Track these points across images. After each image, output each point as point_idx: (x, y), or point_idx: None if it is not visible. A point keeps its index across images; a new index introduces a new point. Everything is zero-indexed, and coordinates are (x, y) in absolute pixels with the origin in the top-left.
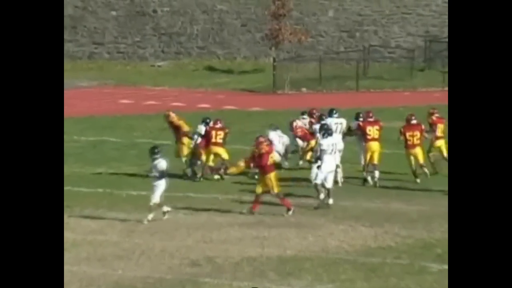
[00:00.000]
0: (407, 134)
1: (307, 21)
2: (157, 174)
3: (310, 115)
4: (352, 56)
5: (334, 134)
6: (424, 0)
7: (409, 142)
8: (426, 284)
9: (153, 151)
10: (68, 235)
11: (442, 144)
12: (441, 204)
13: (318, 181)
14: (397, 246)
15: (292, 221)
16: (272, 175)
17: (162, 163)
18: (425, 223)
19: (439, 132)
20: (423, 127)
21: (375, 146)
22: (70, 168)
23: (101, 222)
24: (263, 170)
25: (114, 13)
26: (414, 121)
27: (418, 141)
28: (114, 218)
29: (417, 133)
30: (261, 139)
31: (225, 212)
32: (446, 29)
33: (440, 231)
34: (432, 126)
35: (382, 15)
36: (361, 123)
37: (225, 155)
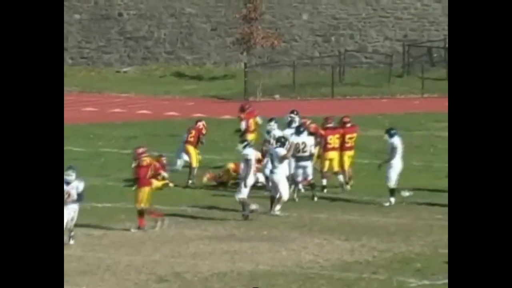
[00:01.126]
0: (328, 137)
1: (280, 24)
2: (75, 197)
3: (242, 110)
4: (327, 61)
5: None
6: (402, 3)
7: (328, 146)
8: None
9: (69, 169)
10: None
11: (335, 156)
12: (421, 217)
13: (243, 196)
14: (375, 260)
15: (264, 234)
16: (146, 189)
17: (79, 185)
18: (404, 237)
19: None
20: (341, 131)
21: (333, 154)
22: None
23: (64, 236)
24: (139, 182)
25: (77, 16)
26: (348, 124)
27: (337, 145)
28: (77, 232)
29: (337, 136)
30: (140, 150)
31: (194, 225)
32: (425, 33)
33: (419, 245)
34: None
35: (359, 18)
36: (322, 132)
37: (194, 159)
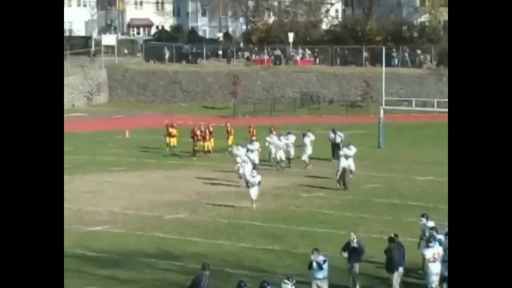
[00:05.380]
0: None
1: (248, 85)
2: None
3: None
4: (268, 101)
5: None
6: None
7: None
8: (301, 201)
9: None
10: None
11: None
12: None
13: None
14: (290, 185)
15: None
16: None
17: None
18: (302, 176)
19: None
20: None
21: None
22: None
23: None
24: None
25: None
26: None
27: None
28: None
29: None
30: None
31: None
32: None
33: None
34: None
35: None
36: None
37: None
